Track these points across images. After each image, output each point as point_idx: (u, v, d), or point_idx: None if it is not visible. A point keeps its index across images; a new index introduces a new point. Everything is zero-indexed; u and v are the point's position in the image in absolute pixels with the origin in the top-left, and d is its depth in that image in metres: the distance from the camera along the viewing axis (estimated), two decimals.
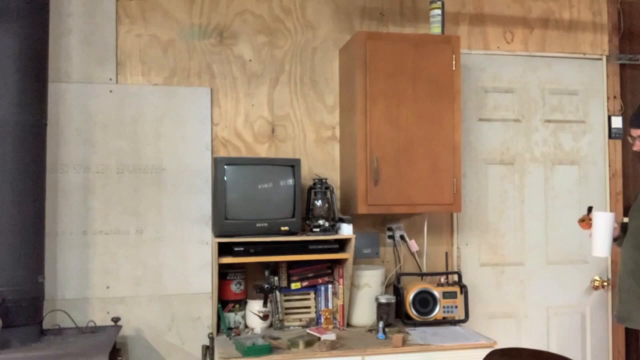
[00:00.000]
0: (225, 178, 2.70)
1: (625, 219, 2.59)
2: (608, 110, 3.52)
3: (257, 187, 2.74)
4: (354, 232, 2.83)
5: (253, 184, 2.74)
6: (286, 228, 2.74)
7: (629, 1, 3.56)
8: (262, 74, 3.08)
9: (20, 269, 2.44)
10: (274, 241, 2.72)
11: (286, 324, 2.86)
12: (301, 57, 3.13)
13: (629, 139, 2.39)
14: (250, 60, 3.07)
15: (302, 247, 2.77)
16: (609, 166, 3.51)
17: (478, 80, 3.36)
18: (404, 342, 2.55)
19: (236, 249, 2.69)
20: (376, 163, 2.77)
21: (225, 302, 2.82)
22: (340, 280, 2.87)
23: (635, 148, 2.33)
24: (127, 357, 2.83)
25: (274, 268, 2.88)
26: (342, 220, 2.84)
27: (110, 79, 2.90)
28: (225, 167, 2.71)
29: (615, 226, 2.58)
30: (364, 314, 2.89)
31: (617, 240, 2.63)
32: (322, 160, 3.13)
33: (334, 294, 2.92)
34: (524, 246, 3.37)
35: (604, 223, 2.59)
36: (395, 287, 3.00)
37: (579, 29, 3.50)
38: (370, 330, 2.77)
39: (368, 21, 3.22)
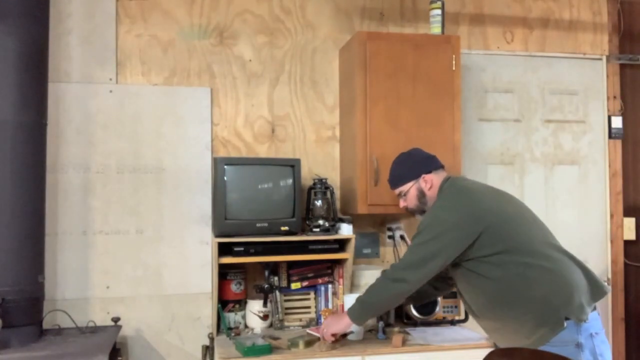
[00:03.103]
0: (225, 178, 2.70)
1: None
2: (608, 110, 3.52)
3: (257, 187, 2.74)
4: (354, 232, 2.83)
5: (253, 184, 2.74)
6: (286, 228, 2.74)
7: (629, 1, 3.56)
8: (262, 74, 3.08)
9: (20, 269, 2.43)
10: (274, 241, 2.72)
11: (286, 324, 2.85)
12: (301, 57, 3.13)
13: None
14: (250, 60, 3.07)
15: (302, 247, 2.77)
16: (609, 166, 3.51)
17: (478, 80, 3.36)
18: (404, 342, 2.55)
19: (236, 249, 2.69)
20: (376, 163, 2.77)
21: (225, 302, 2.82)
22: (340, 280, 2.87)
23: (400, 205, 2.49)
24: (127, 357, 2.83)
25: (274, 268, 2.88)
26: (342, 220, 2.84)
27: (110, 79, 2.90)
28: (225, 167, 2.71)
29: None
30: None
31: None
32: (322, 160, 3.13)
33: (334, 294, 2.92)
34: None
35: None
36: None
37: (579, 29, 3.50)
38: (370, 330, 2.77)
39: (368, 21, 3.22)
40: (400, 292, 2.26)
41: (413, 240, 2.28)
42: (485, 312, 2.25)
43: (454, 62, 2.88)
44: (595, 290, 2.18)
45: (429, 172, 2.41)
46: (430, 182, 2.39)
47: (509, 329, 2.19)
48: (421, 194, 2.40)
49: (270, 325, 2.83)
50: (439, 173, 2.42)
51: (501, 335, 2.28)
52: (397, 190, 2.49)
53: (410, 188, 2.42)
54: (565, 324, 2.05)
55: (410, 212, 2.52)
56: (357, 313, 2.35)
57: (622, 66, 3.55)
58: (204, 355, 2.81)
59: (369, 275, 2.91)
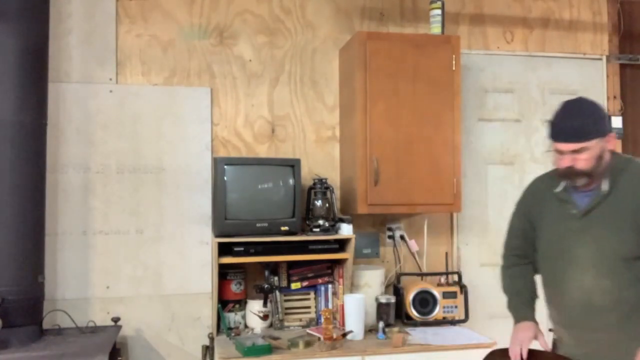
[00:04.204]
0: (225, 178, 2.70)
1: None
2: (608, 110, 3.51)
3: (257, 187, 2.74)
4: (354, 232, 2.83)
5: (253, 184, 2.74)
6: (286, 228, 2.74)
7: (629, 1, 3.56)
8: (262, 74, 3.08)
9: (20, 269, 2.44)
10: (274, 241, 2.72)
11: (286, 324, 2.85)
12: (301, 57, 3.13)
13: (555, 153, 1.96)
14: (250, 60, 3.07)
15: (302, 247, 2.77)
16: None
17: (478, 80, 3.36)
18: (404, 342, 2.55)
19: (236, 249, 2.69)
20: (376, 163, 2.77)
21: (225, 302, 2.82)
22: (340, 280, 2.87)
23: (564, 164, 1.92)
24: (127, 357, 2.83)
25: (274, 268, 2.87)
26: (342, 220, 2.84)
27: (110, 79, 2.90)
28: (225, 167, 2.71)
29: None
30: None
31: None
32: (322, 160, 3.13)
33: (334, 294, 2.92)
34: None
35: (353, 306, 2.66)
36: (395, 287, 3.00)
37: (579, 29, 3.50)
38: (370, 330, 2.77)
39: (368, 21, 3.22)
40: None
41: None
42: (628, 318, 1.91)
43: (454, 62, 2.88)
44: None
45: (611, 130, 1.95)
46: (613, 143, 1.94)
47: (635, 342, 1.84)
48: (600, 156, 1.90)
49: (270, 325, 2.83)
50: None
51: (609, 349, 1.94)
52: (578, 146, 1.88)
53: (596, 145, 1.88)
54: None
55: (571, 175, 1.92)
56: None
57: (622, 66, 3.55)
58: (204, 355, 2.81)
59: (369, 275, 2.91)
